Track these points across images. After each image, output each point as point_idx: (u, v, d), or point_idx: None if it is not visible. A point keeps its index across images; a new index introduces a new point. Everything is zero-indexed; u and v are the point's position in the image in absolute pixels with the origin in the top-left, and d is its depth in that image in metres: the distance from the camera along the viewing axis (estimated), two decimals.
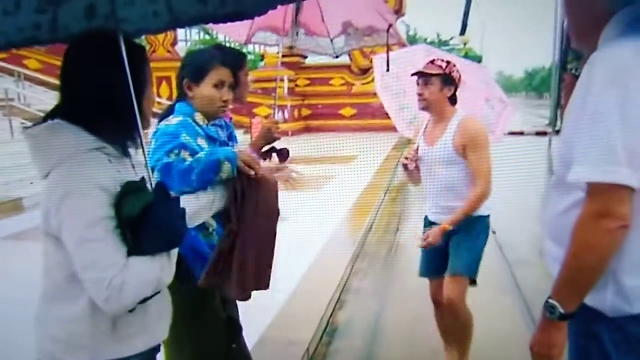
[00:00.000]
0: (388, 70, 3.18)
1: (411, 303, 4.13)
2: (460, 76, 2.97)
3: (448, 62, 2.95)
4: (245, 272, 1.98)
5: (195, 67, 2.15)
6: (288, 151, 2.85)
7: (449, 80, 2.92)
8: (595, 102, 1.30)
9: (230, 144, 2.63)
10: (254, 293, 2.05)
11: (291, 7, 2.87)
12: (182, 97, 2.16)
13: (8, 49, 1.84)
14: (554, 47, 8.31)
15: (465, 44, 24.15)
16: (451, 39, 27.91)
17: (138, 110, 1.41)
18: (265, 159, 2.79)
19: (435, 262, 3.08)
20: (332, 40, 3.22)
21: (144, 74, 1.53)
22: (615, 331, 1.41)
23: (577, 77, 1.62)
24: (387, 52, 2.35)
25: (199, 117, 2.13)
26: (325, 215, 6.66)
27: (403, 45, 3.96)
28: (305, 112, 23.72)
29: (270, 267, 2.09)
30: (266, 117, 20.87)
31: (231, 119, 2.70)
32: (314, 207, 6.58)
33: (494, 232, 3.51)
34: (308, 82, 23.81)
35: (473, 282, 2.98)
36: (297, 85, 23.58)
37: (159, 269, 1.38)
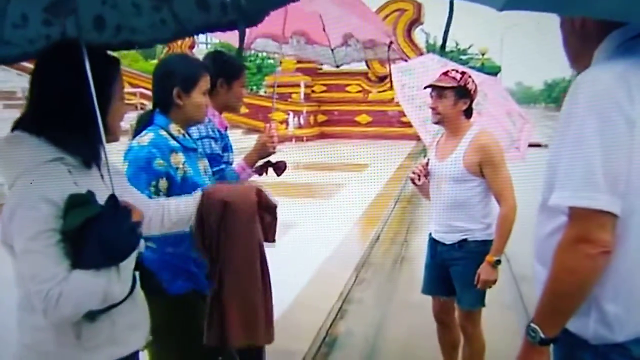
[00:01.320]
0: (391, 85, 3.17)
1: (413, 317, 4.09)
2: (475, 87, 2.84)
3: (462, 73, 2.82)
4: (226, 321, 1.93)
5: (185, 75, 2.13)
6: (285, 164, 2.87)
7: (464, 92, 2.78)
8: (576, 127, 1.29)
9: (225, 154, 2.64)
10: None
11: (290, 15, 2.87)
12: (166, 106, 2.14)
13: (24, 60, 1.87)
14: None
15: (483, 54, 24.03)
16: (469, 47, 27.79)
17: (102, 123, 1.40)
18: (260, 174, 2.80)
19: (438, 281, 3.02)
20: (332, 50, 3.23)
21: (111, 86, 1.52)
22: (598, 359, 1.40)
23: None
24: (389, 67, 2.34)
25: (174, 128, 2.12)
26: (333, 224, 6.66)
27: (405, 60, 3.96)
28: (321, 118, 23.75)
29: (262, 317, 2.03)
30: (281, 122, 21.00)
31: (226, 128, 2.73)
32: (323, 214, 6.59)
33: None
34: (324, 88, 23.84)
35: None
36: (313, 91, 23.62)
37: (104, 283, 1.37)
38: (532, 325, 1.40)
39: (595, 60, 1.40)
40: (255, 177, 2.75)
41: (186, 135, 2.17)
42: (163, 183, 2.01)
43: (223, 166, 2.58)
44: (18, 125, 1.46)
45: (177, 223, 1.90)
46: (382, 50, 3.30)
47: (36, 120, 1.45)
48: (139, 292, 1.66)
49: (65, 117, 1.43)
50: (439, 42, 29.18)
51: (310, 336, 3.87)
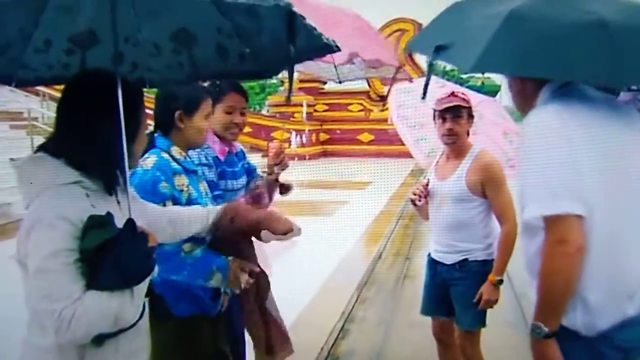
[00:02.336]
0: (384, 104, 3.19)
1: (415, 335, 4.06)
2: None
3: (464, 93, 2.86)
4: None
5: (188, 99, 2.15)
6: (290, 186, 2.95)
7: (471, 112, 2.83)
8: (530, 154, 1.62)
9: (247, 178, 2.62)
10: None
11: None
12: (168, 128, 2.15)
13: (38, 85, 1.91)
14: None
15: (483, 73, 24.15)
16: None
17: (128, 150, 1.43)
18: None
19: (438, 301, 3.01)
20: (335, 67, 3.26)
21: (137, 116, 1.56)
22: (584, 348, 1.62)
23: None
24: (389, 87, 2.35)
25: (175, 150, 2.13)
26: (336, 241, 6.65)
27: (411, 81, 4.00)
28: (323, 136, 23.83)
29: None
30: (284, 141, 21.01)
31: (229, 153, 2.67)
32: (325, 232, 6.58)
33: None
34: (326, 107, 23.96)
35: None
36: (315, 110, 23.73)
37: (118, 306, 1.37)
38: (535, 323, 1.60)
39: (538, 105, 1.72)
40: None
41: (187, 158, 2.18)
42: (169, 205, 2.01)
43: (218, 192, 2.53)
44: (42, 148, 1.49)
45: (190, 233, 1.93)
46: (387, 70, 3.38)
47: (60, 144, 1.47)
48: (145, 318, 1.64)
49: (91, 142, 1.45)
50: (439, 62, 29.36)
51: (313, 355, 3.85)
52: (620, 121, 1.68)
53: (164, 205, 2.00)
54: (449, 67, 30.47)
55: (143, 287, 1.50)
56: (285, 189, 2.92)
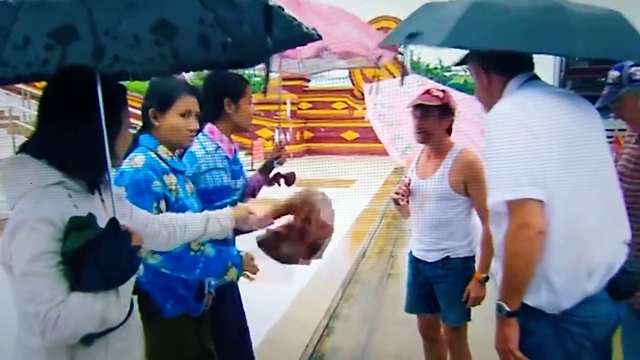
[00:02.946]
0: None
1: (399, 332, 4.11)
2: (455, 105, 2.88)
3: (444, 91, 2.84)
4: None
5: (160, 96, 2.11)
6: (294, 176, 3.05)
7: (447, 110, 2.81)
8: (495, 144, 1.72)
9: (233, 182, 2.62)
10: None
11: None
12: (147, 127, 2.14)
13: (16, 82, 1.88)
14: (553, 77, 8.43)
15: (465, 71, 24.28)
16: (453, 64, 28.09)
17: (110, 149, 1.42)
18: (271, 185, 2.92)
19: (422, 299, 3.02)
20: (299, 62, 3.28)
21: (119, 114, 1.54)
22: (548, 326, 1.74)
23: None
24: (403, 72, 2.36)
25: (162, 149, 2.11)
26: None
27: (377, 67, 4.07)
28: (307, 134, 23.81)
29: None
30: (268, 139, 21.01)
31: (236, 151, 2.69)
32: None
33: None
34: (310, 105, 23.94)
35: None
36: (299, 109, 23.70)
37: (103, 306, 1.37)
38: (499, 302, 1.72)
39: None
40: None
41: (173, 157, 2.16)
42: (163, 205, 2.01)
43: (235, 198, 2.56)
44: (23, 148, 1.47)
45: (184, 240, 1.91)
46: (356, 60, 3.49)
47: (42, 144, 1.46)
48: (134, 316, 1.65)
49: (73, 141, 1.44)
50: (423, 60, 29.46)
51: (298, 352, 3.88)
52: (579, 114, 1.78)
53: (158, 204, 1.99)
54: (432, 65, 30.63)
55: (128, 286, 1.50)
56: (291, 179, 3.02)
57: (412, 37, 1.73)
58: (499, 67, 1.87)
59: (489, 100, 1.91)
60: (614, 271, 1.75)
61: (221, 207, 2.33)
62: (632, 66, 2.26)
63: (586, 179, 1.72)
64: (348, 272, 5.98)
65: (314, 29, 1.69)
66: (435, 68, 30.03)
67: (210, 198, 2.42)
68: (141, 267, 1.88)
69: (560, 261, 1.68)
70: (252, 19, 1.54)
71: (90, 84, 1.38)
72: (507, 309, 1.69)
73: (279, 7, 1.50)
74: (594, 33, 1.65)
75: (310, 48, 3.30)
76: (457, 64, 2.04)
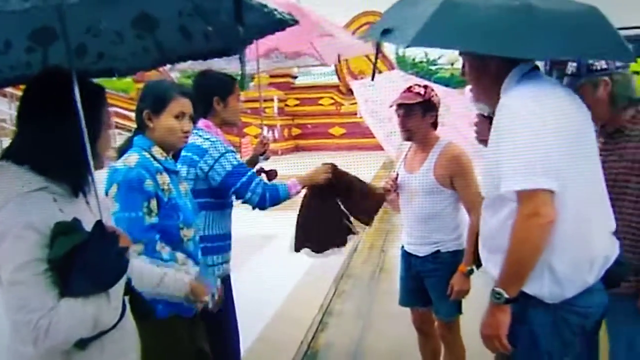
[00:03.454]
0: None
1: (393, 327, 4.11)
2: (439, 100, 2.89)
3: (425, 87, 2.85)
4: None
5: (154, 98, 2.13)
6: (276, 172, 3.20)
7: (430, 106, 2.82)
8: (509, 134, 1.70)
9: None
10: None
11: None
12: (141, 128, 2.16)
13: (5, 86, 1.86)
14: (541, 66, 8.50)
15: (452, 64, 24.37)
16: (439, 57, 28.20)
17: (91, 151, 1.40)
18: None
19: (415, 293, 3.04)
20: (241, 60, 3.36)
21: (98, 115, 1.52)
22: (546, 316, 1.75)
23: (485, 117, 2.30)
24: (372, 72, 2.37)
25: (156, 150, 2.12)
26: None
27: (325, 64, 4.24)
28: (295, 131, 23.77)
29: None
30: (255, 137, 20.93)
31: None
32: None
33: None
34: (297, 102, 23.88)
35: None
36: (286, 105, 23.65)
37: (94, 310, 1.37)
38: (497, 289, 1.74)
39: (504, 91, 1.84)
40: None
41: (167, 158, 2.16)
42: (154, 203, 2.02)
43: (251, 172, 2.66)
44: (4, 154, 1.44)
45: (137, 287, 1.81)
46: (304, 59, 3.85)
47: (23, 149, 1.43)
48: (128, 317, 1.64)
49: (53, 145, 1.42)
50: (408, 54, 29.49)
51: (293, 349, 3.88)
52: (578, 107, 1.82)
53: (148, 203, 1.99)
54: (417, 58, 30.69)
55: (119, 288, 1.50)
56: (273, 175, 3.17)
57: (385, 34, 1.75)
58: (501, 56, 1.83)
59: (487, 88, 1.93)
60: (610, 262, 1.80)
61: (249, 182, 2.54)
62: None
63: (588, 171, 1.77)
64: (340, 268, 5.98)
65: (289, 13, 1.68)
66: (421, 62, 30.09)
67: (232, 180, 2.55)
68: None
69: (565, 251, 1.71)
70: (229, 7, 1.53)
71: (67, 86, 1.36)
72: (506, 295, 1.71)
73: None
74: (560, 32, 1.67)
75: (260, 48, 3.42)
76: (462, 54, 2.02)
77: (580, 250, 1.75)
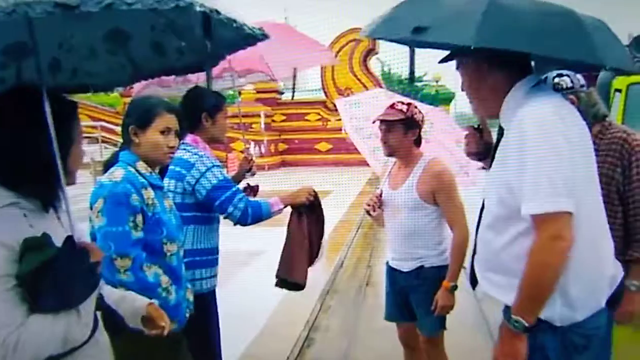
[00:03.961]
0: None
1: (379, 342, 4.12)
2: (423, 117, 2.91)
3: (409, 104, 2.87)
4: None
5: (140, 113, 2.15)
6: (257, 187, 3.31)
7: (412, 123, 2.84)
8: (534, 152, 1.58)
9: None
10: None
11: None
12: (127, 143, 2.17)
13: None
14: None
15: (437, 81, 24.58)
16: (424, 74, 28.43)
17: (62, 166, 1.40)
18: None
19: (400, 307, 3.05)
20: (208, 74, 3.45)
21: (69, 130, 1.52)
22: (556, 339, 1.69)
23: (476, 129, 2.20)
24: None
25: (141, 165, 2.13)
26: None
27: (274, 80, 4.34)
28: (282, 146, 23.83)
29: None
30: (242, 152, 20.94)
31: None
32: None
33: (464, 267, 3.53)
34: (284, 117, 24.00)
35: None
36: (273, 121, 23.73)
37: (64, 326, 1.36)
38: (515, 317, 1.64)
39: (507, 105, 1.77)
40: None
41: (152, 173, 2.18)
42: (139, 218, 2.03)
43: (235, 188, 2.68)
44: None
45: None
46: (256, 75, 3.90)
47: None
48: (101, 332, 1.63)
49: (23, 161, 1.41)
50: (394, 71, 29.66)
51: None
52: (584, 122, 1.75)
53: (134, 217, 2.00)
54: (404, 75, 30.84)
55: (89, 303, 1.49)
56: (255, 190, 3.28)
57: (420, 32, 1.57)
58: (508, 66, 1.76)
59: (485, 101, 1.87)
60: (617, 283, 1.79)
61: (232, 196, 2.55)
62: (556, 76, 2.28)
63: (595, 190, 1.73)
64: (326, 283, 5.98)
65: (260, 28, 1.70)
66: (406, 79, 30.23)
67: (216, 194, 2.56)
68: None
69: (580, 274, 1.64)
70: (201, 22, 1.55)
71: (38, 102, 1.36)
72: (526, 323, 1.62)
73: (216, 10, 1.50)
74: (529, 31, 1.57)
75: (215, 69, 3.49)
76: (442, 61, 1.92)
77: (594, 273, 1.70)
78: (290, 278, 2.85)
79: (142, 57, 1.78)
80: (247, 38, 1.69)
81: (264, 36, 1.71)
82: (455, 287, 2.78)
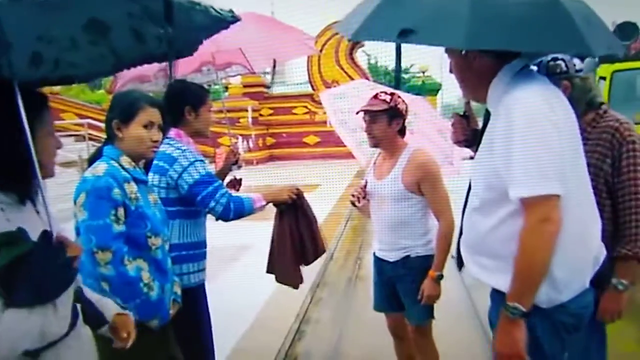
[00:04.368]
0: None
1: (370, 334, 4.13)
2: (406, 107, 2.90)
3: (392, 94, 2.86)
4: None
5: (123, 108, 2.15)
6: (241, 180, 3.38)
7: (396, 113, 2.83)
8: (522, 137, 1.60)
9: None
10: None
11: None
12: (111, 138, 2.17)
13: None
14: None
15: (423, 72, 24.63)
16: (411, 66, 28.49)
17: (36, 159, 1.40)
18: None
19: (388, 298, 3.07)
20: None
21: (40, 123, 1.52)
22: (545, 320, 1.71)
23: (462, 116, 2.20)
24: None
25: (124, 160, 2.14)
26: None
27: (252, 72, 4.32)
28: (270, 140, 23.79)
29: None
30: (229, 147, 20.83)
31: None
32: None
33: (452, 257, 3.55)
34: (271, 111, 23.94)
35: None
36: (260, 115, 23.68)
37: (40, 321, 1.36)
38: (511, 304, 1.65)
39: (494, 89, 1.77)
40: None
41: (136, 167, 2.18)
42: (121, 212, 2.02)
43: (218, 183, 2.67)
44: None
45: None
46: (234, 69, 3.92)
47: None
48: (83, 324, 1.63)
49: None
50: (380, 63, 29.67)
51: (270, 357, 3.89)
52: (570, 106, 1.76)
53: (116, 211, 1.99)
54: (390, 67, 30.89)
55: (67, 297, 1.48)
56: (238, 183, 3.32)
57: (407, 36, 1.57)
58: (495, 51, 1.74)
59: (473, 86, 1.87)
60: (599, 263, 1.81)
61: (214, 192, 2.55)
62: (550, 60, 2.23)
63: (583, 172, 1.75)
64: (316, 276, 6.00)
65: (230, 10, 1.68)
66: (393, 70, 30.26)
67: (198, 189, 2.56)
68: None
69: (566, 257, 1.66)
70: (180, 9, 1.54)
71: (8, 95, 1.36)
72: (523, 309, 1.63)
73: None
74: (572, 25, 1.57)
75: (193, 63, 3.53)
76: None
77: (580, 256, 1.73)
78: (278, 279, 2.93)
79: (123, 47, 1.77)
80: (218, 21, 1.69)
81: (234, 18, 1.69)
82: (441, 277, 2.79)
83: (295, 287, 2.96)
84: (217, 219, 2.66)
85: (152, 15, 1.69)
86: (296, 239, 2.86)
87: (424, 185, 2.80)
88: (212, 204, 2.56)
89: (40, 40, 1.62)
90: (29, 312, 1.33)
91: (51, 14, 1.57)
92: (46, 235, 1.38)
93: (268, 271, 2.95)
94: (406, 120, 2.95)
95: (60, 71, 1.75)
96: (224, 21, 1.69)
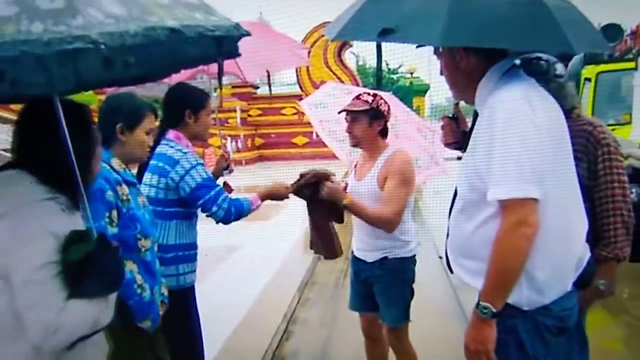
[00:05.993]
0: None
1: (358, 334, 4.10)
2: (388, 108, 2.89)
3: (374, 95, 2.86)
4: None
5: (130, 112, 2.21)
6: (230, 186, 3.35)
7: (377, 114, 2.82)
8: (502, 139, 1.60)
9: None
10: None
11: None
12: (108, 140, 2.17)
13: None
14: None
15: (411, 73, 24.71)
16: (399, 67, 28.58)
17: (86, 167, 1.56)
18: None
19: (363, 298, 3.06)
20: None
21: (90, 133, 1.66)
22: (527, 322, 1.72)
23: (451, 118, 2.21)
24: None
25: (115, 162, 2.16)
26: (276, 244, 6.68)
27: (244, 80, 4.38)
28: (258, 141, 23.78)
29: None
30: (218, 147, 20.81)
31: None
32: (265, 236, 6.61)
33: (440, 257, 3.56)
34: (260, 112, 23.94)
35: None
36: (249, 115, 23.66)
37: (97, 311, 1.49)
38: (483, 303, 1.66)
39: (482, 89, 1.78)
40: None
41: (127, 170, 2.21)
42: (114, 214, 2.04)
43: (219, 187, 2.70)
44: (9, 166, 1.57)
45: None
46: (227, 78, 4.11)
47: (27, 164, 1.56)
48: None
49: (51, 164, 1.53)
50: (369, 63, 29.76)
51: (257, 358, 3.90)
52: (557, 106, 1.76)
53: (110, 213, 2.01)
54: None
55: (114, 292, 1.62)
56: (231, 189, 3.30)
57: (387, 34, 1.58)
58: (483, 51, 1.75)
59: (462, 86, 1.88)
60: (583, 265, 1.81)
61: (216, 196, 2.58)
62: (533, 59, 2.14)
63: (568, 174, 1.74)
64: (304, 276, 6.02)
65: (236, 24, 1.68)
66: (382, 71, 30.31)
67: (200, 193, 2.59)
68: None
69: (546, 258, 1.66)
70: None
71: (54, 112, 1.45)
72: (494, 309, 1.64)
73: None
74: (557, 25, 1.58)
75: (187, 72, 3.54)
76: (420, 46, 1.88)
77: (562, 258, 1.73)
78: (326, 256, 3.16)
79: (89, 71, 1.75)
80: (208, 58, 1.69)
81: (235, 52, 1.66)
82: (345, 207, 2.78)
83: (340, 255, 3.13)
84: (217, 223, 2.69)
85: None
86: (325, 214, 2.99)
87: (388, 181, 2.77)
88: (215, 208, 2.60)
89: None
90: (89, 302, 1.47)
91: None
92: (103, 236, 1.54)
93: (313, 249, 3.26)
94: (390, 124, 2.95)
95: (15, 90, 1.74)
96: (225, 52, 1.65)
